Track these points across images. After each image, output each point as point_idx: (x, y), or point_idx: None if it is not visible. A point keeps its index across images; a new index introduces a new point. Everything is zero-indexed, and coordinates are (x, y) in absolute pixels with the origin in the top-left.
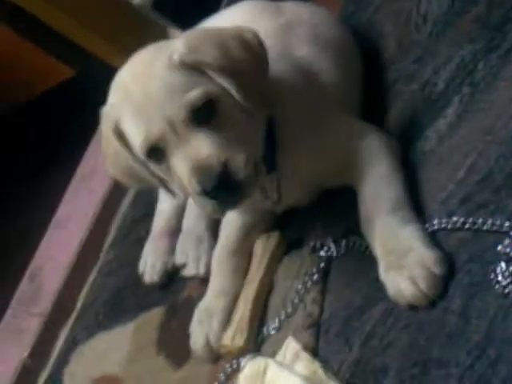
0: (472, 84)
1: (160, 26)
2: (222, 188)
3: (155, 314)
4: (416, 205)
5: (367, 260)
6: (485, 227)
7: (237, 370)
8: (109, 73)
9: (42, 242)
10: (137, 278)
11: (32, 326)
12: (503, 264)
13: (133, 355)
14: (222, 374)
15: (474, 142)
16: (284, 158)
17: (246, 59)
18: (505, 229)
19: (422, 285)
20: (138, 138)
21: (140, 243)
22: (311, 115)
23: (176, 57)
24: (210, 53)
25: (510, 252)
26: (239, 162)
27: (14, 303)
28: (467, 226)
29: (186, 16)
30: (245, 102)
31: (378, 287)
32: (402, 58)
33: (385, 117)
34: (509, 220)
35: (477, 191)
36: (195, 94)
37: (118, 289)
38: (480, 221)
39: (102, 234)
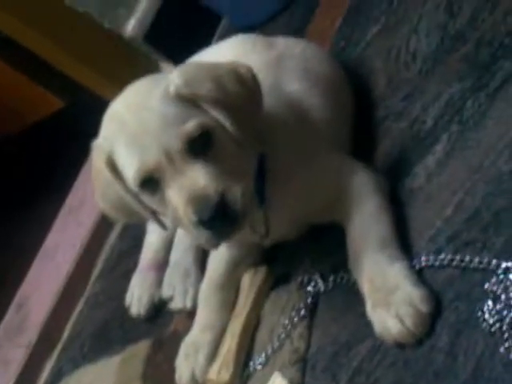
0: (460, 122)
1: (151, 58)
2: (218, 218)
3: (141, 347)
4: (404, 242)
5: (355, 295)
6: (472, 265)
7: None
8: (99, 104)
9: (30, 272)
10: (123, 311)
11: (17, 356)
12: (490, 302)
13: None
14: None
15: (462, 179)
16: (273, 193)
17: (239, 93)
18: (492, 267)
19: (409, 323)
20: (131, 168)
21: (127, 276)
22: (301, 151)
23: (172, 88)
24: (206, 86)
25: (496, 290)
26: (236, 193)
27: None
28: (454, 263)
29: (177, 49)
30: (239, 135)
31: (366, 323)
32: (391, 95)
33: (374, 153)
34: (496, 258)
35: (464, 229)
36: (191, 125)
37: (104, 321)
38: (467, 258)
39: (90, 266)
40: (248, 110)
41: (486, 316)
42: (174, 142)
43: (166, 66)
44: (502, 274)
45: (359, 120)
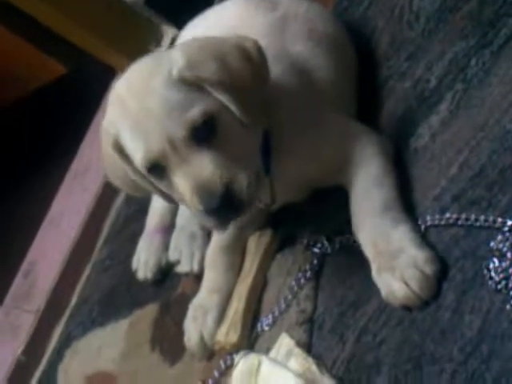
0: (465, 80)
1: (153, 22)
2: (224, 208)
3: (149, 311)
4: (408, 202)
5: (360, 257)
6: (478, 223)
7: (230, 367)
8: (102, 70)
9: (36, 239)
10: (131, 275)
11: (26, 322)
12: (496, 260)
13: (127, 352)
14: (215, 371)
15: (467, 138)
16: (277, 160)
17: (245, 71)
18: (497, 225)
19: (415, 286)
20: (137, 154)
21: (134, 240)
22: (305, 117)
23: (175, 72)
24: (210, 67)
25: (502, 248)
26: (242, 182)
27: (7, 300)
28: (460, 222)
29: (178, 11)
30: (244, 115)
31: (371, 284)
32: (394, 55)
33: (378, 114)
34: (502, 216)
35: (469, 187)
36: (195, 112)
37: (111, 286)
38: (473, 217)
39: (96, 231)
40: (254, 88)
41: (492, 274)
42: (177, 130)
43: (167, 29)
44: (507, 231)
45: (363, 80)
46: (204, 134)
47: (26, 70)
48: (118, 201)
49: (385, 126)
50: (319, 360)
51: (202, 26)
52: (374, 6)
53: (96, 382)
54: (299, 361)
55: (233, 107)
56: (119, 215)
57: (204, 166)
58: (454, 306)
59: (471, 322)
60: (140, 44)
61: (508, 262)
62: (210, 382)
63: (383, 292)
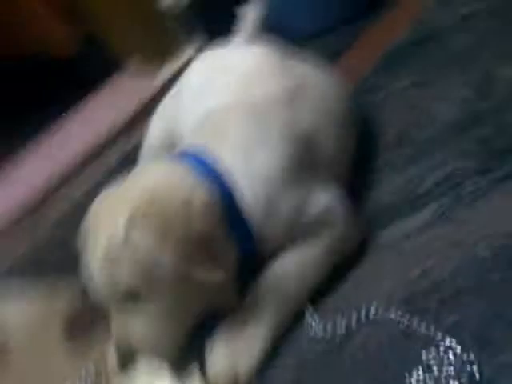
0: (454, 197)
1: (178, 34)
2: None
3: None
4: (360, 288)
5: None
6: (417, 331)
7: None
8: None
9: None
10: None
11: None
12: (421, 371)
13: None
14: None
15: (439, 248)
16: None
17: (191, 237)
18: (435, 339)
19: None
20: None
21: None
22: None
23: (112, 249)
24: (149, 243)
25: (431, 362)
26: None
27: None
28: (400, 325)
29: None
30: (189, 275)
31: None
32: (396, 150)
33: (364, 196)
34: (442, 333)
35: (423, 296)
36: (120, 283)
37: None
38: (415, 323)
39: None
40: (203, 249)
41: (413, 381)
42: (106, 291)
43: (189, 46)
44: (443, 349)
45: (357, 165)
46: (128, 301)
47: (40, 35)
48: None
49: (366, 208)
50: None
51: (215, 64)
52: (394, 98)
53: None
54: None
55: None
56: None
57: (120, 326)
58: None
59: None
60: (157, 49)
61: (432, 378)
62: None
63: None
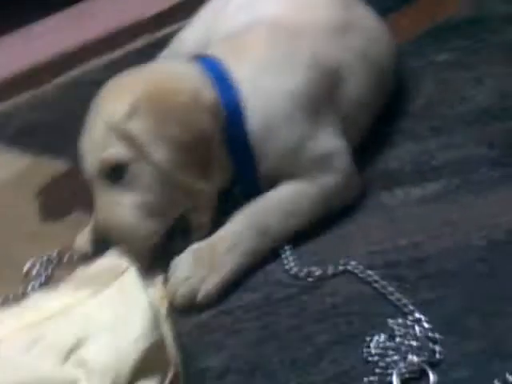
0: (464, 181)
1: None
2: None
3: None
4: (346, 240)
5: None
6: (390, 297)
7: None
8: None
9: None
10: None
11: None
12: (383, 336)
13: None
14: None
15: (433, 225)
16: None
17: (190, 134)
18: (405, 310)
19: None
20: None
21: None
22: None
23: (114, 120)
24: (150, 123)
25: (395, 331)
26: (132, 234)
27: None
28: (376, 285)
29: None
30: (176, 174)
31: None
32: (420, 119)
33: (372, 155)
34: (414, 306)
35: (406, 266)
36: (107, 154)
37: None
38: (390, 289)
39: None
40: (204, 150)
41: (372, 344)
42: (91, 165)
43: None
44: (410, 321)
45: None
46: (113, 177)
47: None
48: None
49: (371, 170)
50: None
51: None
52: (434, 69)
53: None
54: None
55: (160, 162)
56: None
57: (102, 204)
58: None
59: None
60: None
61: (392, 345)
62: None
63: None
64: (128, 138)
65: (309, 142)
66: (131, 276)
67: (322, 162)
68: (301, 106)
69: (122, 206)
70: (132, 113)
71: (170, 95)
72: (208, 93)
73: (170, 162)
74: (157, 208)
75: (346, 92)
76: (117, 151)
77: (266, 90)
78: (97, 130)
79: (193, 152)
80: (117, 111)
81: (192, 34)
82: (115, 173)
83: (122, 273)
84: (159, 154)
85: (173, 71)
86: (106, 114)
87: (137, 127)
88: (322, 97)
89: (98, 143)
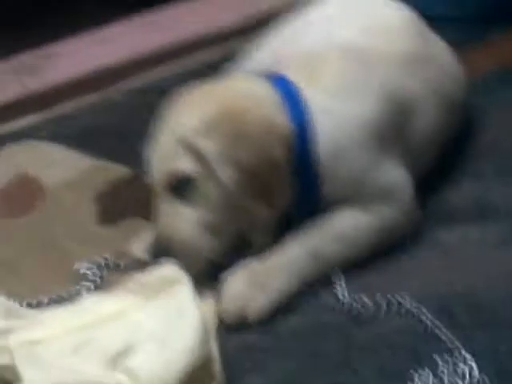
0: None
1: None
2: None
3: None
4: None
5: None
6: (440, 335)
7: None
8: None
9: None
10: None
11: None
12: (428, 372)
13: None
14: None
15: (492, 270)
16: None
17: (260, 160)
18: (454, 349)
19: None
20: None
21: None
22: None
23: (184, 134)
24: (220, 142)
25: (441, 368)
26: (191, 251)
27: None
28: (427, 322)
29: None
30: (241, 196)
31: None
32: (487, 160)
33: (432, 189)
34: (464, 347)
35: (459, 307)
36: (176, 167)
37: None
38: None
39: None
40: (271, 178)
41: (416, 379)
42: (158, 176)
43: None
44: (458, 361)
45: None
46: (180, 190)
47: None
48: None
49: (432, 206)
50: None
51: (357, 5)
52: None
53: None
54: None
55: (227, 183)
56: None
57: (166, 216)
58: None
59: None
60: None
61: (436, 382)
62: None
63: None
64: (197, 154)
65: (373, 172)
66: (185, 288)
67: (384, 193)
68: (370, 134)
69: (185, 221)
70: (204, 129)
71: (244, 117)
72: (283, 119)
73: (236, 184)
74: (218, 226)
75: (415, 125)
76: (185, 165)
77: (337, 115)
78: (166, 141)
79: (260, 177)
80: (189, 125)
81: (264, 52)
82: (181, 186)
83: (177, 284)
84: (226, 174)
85: (248, 91)
86: (177, 127)
87: (207, 145)
88: (391, 127)
89: (167, 154)
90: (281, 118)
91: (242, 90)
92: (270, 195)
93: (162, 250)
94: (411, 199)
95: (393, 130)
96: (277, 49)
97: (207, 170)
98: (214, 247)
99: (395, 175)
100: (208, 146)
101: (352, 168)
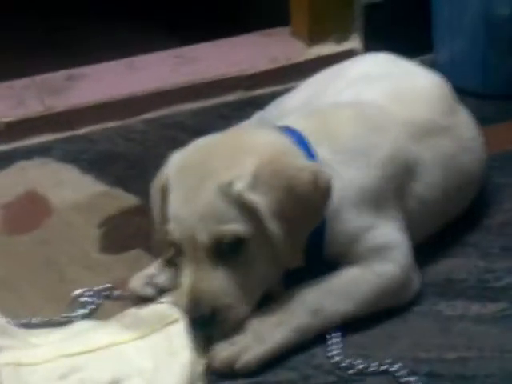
0: None
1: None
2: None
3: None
4: (393, 341)
5: None
6: None
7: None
8: None
9: None
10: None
11: None
12: None
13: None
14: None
15: (486, 347)
16: None
17: (305, 207)
18: None
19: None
20: (169, 221)
21: None
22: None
23: (235, 188)
24: (270, 197)
25: None
26: (233, 315)
27: None
28: None
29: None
30: (284, 249)
31: None
32: (497, 237)
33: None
34: None
35: (450, 380)
36: (228, 229)
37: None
38: None
39: None
40: (306, 227)
41: None
42: (204, 235)
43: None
44: None
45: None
46: (225, 252)
47: None
48: None
49: (434, 276)
50: None
51: (387, 68)
52: None
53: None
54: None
55: (277, 236)
56: None
57: (206, 280)
58: None
59: None
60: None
61: None
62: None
63: None
64: (250, 211)
65: (369, 232)
66: (179, 329)
67: (380, 252)
68: (367, 199)
69: (228, 284)
70: (254, 184)
71: (293, 171)
72: (326, 177)
73: (281, 237)
74: (257, 287)
75: (416, 191)
76: (239, 226)
77: (341, 178)
78: (210, 197)
79: (301, 230)
80: (237, 180)
81: (294, 102)
82: (230, 248)
83: (172, 322)
84: (276, 229)
85: (282, 143)
86: (221, 181)
87: (259, 201)
88: (391, 192)
89: (214, 213)
90: (325, 174)
91: (276, 142)
92: (302, 245)
93: (204, 316)
94: (408, 259)
95: (392, 194)
96: (306, 99)
97: (258, 228)
98: (251, 308)
99: (391, 236)
100: (259, 202)
101: (348, 228)
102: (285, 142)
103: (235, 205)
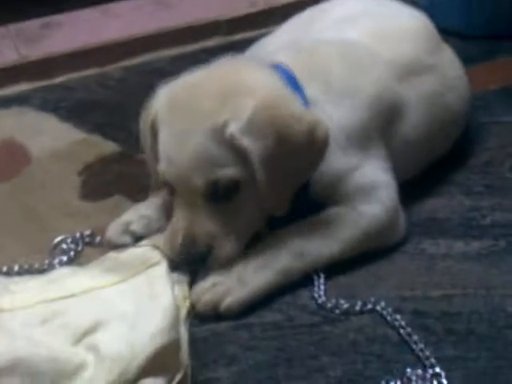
0: (510, 245)
1: None
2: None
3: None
4: (373, 275)
5: None
6: (412, 346)
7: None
8: None
9: None
10: None
11: None
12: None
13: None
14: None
15: (470, 284)
16: None
17: (302, 158)
18: (427, 362)
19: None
20: (161, 163)
21: None
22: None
23: (229, 131)
24: (264, 142)
25: (412, 381)
26: (224, 251)
27: None
28: (402, 331)
29: None
30: (270, 197)
31: None
32: (478, 174)
33: (420, 198)
34: (437, 360)
35: (435, 318)
36: (223, 174)
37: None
38: (415, 338)
39: None
40: (298, 177)
41: None
42: (198, 180)
43: None
44: (429, 374)
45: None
46: (219, 195)
47: None
48: None
49: (418, 216)
50: None
51: (374, 7)
52: (501, 128)
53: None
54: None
55: (263, 183)
56: None
57: (201, 221)
58: None
59: None
60: None
61: None
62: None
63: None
64: (243, 155)
65: (355, 173)
66: (161, 270)
67: (366, 192)
68: (353, 140)
69: (220, 226)
70: (249, 128)
71: (290, 120)
72: (323, 127)
73: (268, 185)
74: (246, 229)
75: (401, 130)
76: (234, 170)
77: (327, 118)
78: (204, 140)
79: (291, 178)
80: (231, 122)
81: (277, 41)
82: (225, 191)
83: (153, 265)
84: (263, 175)
85: (277, 84)
86: (215, 123)
87: (251, 145)
88: (377, 133)
89: (210, 156)
90: (323, 125)
91: (272, 84)
92: (292, 193)
93: (197, 254)
94: (393, 199)
95: (377, 134)
96: (287, 40)
97: (250, 172)
98: (241, 251)
99: (376, 175)
100: (253, 146)
101: (333, 168)
102: (279, 83)
103: (229, 148)
